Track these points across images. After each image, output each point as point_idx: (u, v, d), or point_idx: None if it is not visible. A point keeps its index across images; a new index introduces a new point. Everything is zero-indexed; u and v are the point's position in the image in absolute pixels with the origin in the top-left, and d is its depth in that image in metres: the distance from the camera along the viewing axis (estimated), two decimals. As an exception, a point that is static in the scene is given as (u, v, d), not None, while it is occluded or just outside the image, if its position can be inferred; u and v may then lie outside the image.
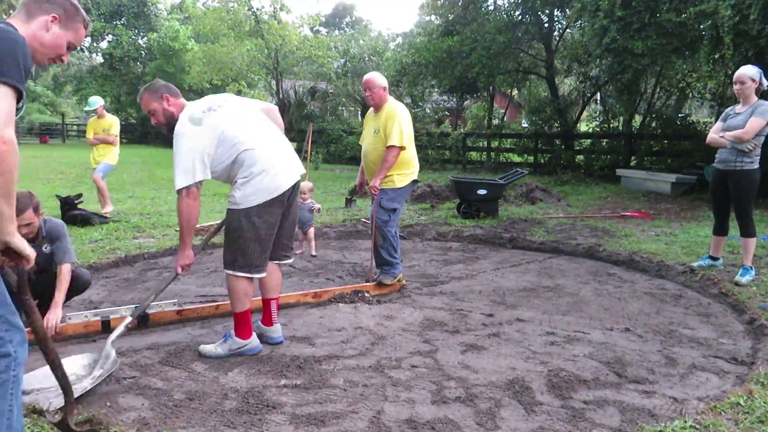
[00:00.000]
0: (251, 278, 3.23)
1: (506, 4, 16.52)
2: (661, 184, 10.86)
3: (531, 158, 15.83)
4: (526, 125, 18.51)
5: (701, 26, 9.41)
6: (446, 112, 23.12)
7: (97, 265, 5.17)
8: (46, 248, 3.47)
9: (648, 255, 5.54)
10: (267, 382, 2.93)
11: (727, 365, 3.19)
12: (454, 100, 19.75)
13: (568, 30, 16.00)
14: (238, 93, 25.29)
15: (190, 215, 3.09)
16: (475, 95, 19.10)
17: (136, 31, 31.33)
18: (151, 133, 29.99)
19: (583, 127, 17.83)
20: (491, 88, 18.28)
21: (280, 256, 3.45)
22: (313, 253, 5.89)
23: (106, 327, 3.56)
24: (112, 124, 7.43)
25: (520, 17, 15.65)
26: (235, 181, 3.16)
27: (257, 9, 20.85)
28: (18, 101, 1.72)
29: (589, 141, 15.78)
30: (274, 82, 22.50)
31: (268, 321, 3.50)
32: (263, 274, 3.29)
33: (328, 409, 2.65)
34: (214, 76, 23.05)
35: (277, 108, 3.60)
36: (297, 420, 2.55)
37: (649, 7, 10.01)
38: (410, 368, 3.12)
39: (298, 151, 4.62)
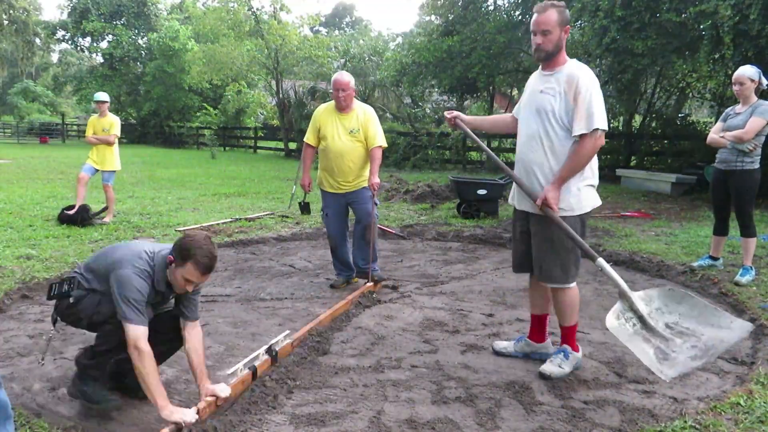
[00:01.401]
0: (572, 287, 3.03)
1: (506, 4, 16.53)
2: (661, 184, 10.85)
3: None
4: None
5: (701, 26, 9.41)
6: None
7: (97, 265, 5.17)
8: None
9: (648, 255, 5.54)
10: (268, 382, 2.92)
11: (727, 365, 3.19)
12: (454, 100, 19.74)
13: (568, 30, 16.00)
14: (238, 93, 25.32)
15: (588, 158, 2.86)
16: (475, 95, 19.09)
17: (136, 31, 31.33)
18: (150, 133, 30.01)
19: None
20: (491, 88, 18.26)
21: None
22: None
23: (255, 376, 2.93)
24: (113, 123, 7.37)
25: (520, 17, 15.64)
26: (576, 181, 2.90)
27: (257, 9, 20.85)
28: None
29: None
30: (274, 82, 22.49)
31: (540, 337, 3.29)
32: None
33: (328, 409, 2.65)
34: (214, 76, 23.05)
35: None
36: (297, 420, 2.55)
37: (649, 7, 10.01)
38: (410, 368, 3.12)
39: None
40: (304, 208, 5.23)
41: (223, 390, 2.58)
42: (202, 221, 7.29)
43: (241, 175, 13.81)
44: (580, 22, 13.10)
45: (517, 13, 15.76)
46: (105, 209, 7.20)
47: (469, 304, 4.31)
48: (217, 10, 21.66)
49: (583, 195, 2.93)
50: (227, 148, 25.60)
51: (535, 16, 2.90)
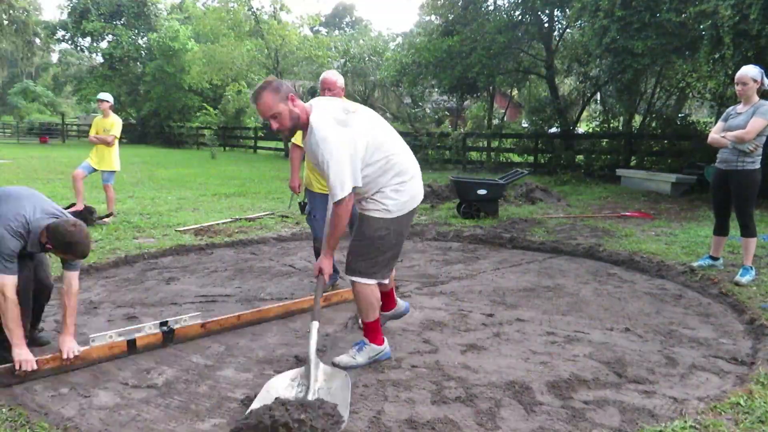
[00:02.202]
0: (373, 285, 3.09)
1: (506, 4, 16.52)
2: (661, 184, 10.85)
3: (531, 158, 15.82)
4: (526, 125, 18.51)
5: (701, 26, 9.42)
6: (446, 112, 23.13)
7: (97, 265, 5.17)
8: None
9: (648, 255, 5.54)
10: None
11: (727, 365, 3.18)
12: (454, 100, 19.76)
13: (568, 30, 16.00)
14: (238, 93, 25.33)
15: (345, 221, 2.89)
16: (475, 95, 19.09)
17: (136, 31, 31.33)
18: (150, 133, 30.01)
19: (583, 127, 17.83)
20: (491, 88, 18.27)
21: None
22: None
23: (132, 347, 3.26)
24: (114, 124, 7.38)
25: (520, 17, 15.64)
26: (383, 190, 2.98)
27: (257, 9, 20.87)
28: None
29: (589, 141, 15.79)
30: (274, 82, 22.46)
31: (391, 305, 3.52)
32: (387, 279, 3.21)
33: (328, 409, 2.64)
34: (214, 76, 23.06)
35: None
36: (297, 420, 2.55)
37: (649, 7, 10.01)
38: (410, 368, 3.12)
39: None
40: (304, 208, 5.22)
41: (70, 349, 2.99)
42: (202, 221, 7.29)
43: (241, 175, 13.81)
44: (580, 22, 13.12)
45: (517, 13, 15.75)
46: (110, 215, 7.21)
47: (469, 304, 4.31)
48: (217, 10, 21.68)
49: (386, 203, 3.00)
50: (227, 148, 25.61)
51: (254, 107, 2.91)
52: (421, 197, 3.14)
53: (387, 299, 3.44)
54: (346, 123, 2.87)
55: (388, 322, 3.61)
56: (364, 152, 2.87)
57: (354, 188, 2.86)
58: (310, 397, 2.60)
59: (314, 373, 2.72)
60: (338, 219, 2.88)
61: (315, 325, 2.87)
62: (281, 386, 2.70)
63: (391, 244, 3.04)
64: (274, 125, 2.86)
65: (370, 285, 3.06)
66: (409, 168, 3.05)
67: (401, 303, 3.60)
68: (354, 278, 3.06)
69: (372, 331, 3.17)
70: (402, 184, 3.01)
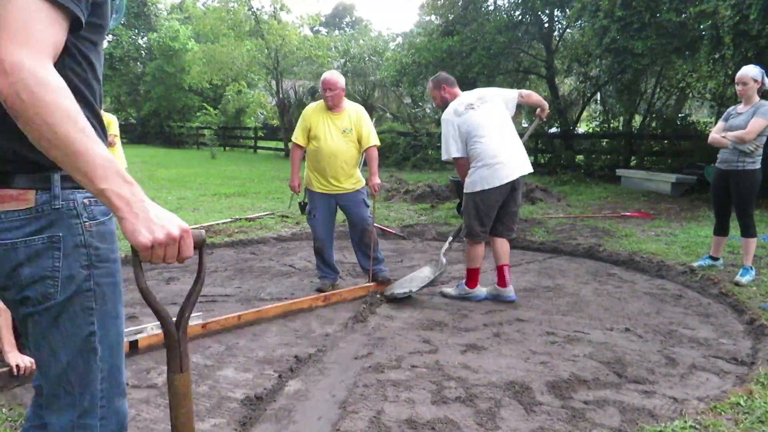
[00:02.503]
0: (482, 244, 4.28)
1: (506, 4, 16.50)
2: (661, 184, 10.85)
3: (531, 158, 15.80)
4: (526, 125, 18.49)
5: (701, 26, 9.41)
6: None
7: (97, 265, 5.16)
8: None
9: (648, 255, 5.54)
10: (268, 382, 2.93)
11: (727, 365, 3.19)
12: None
13: (568, 30, 15.99)
14: (238, 93, 25.32)
15: (460, 172, 4.28)
16: (475, 95, 19.06)
17: (136, 31, 31.31)
18: (151, 133, 29.99)
19: (583, 127, 17.82)
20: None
21: (503, 233, 4.31)
22: None
23: (134, 349, 3.26)
24: (110, 122, 7.36)
25: (520, 17, 15.63)
26: (470, 169, 4.12)
27: (257, 9, 20.84)
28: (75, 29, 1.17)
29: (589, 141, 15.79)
30: (274, 82, 22.48)
31: (502, 283, 4.31)
32: (481, 243, 4.28)
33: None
34: (214, 76, 23.04)
35: (531, 92, 4.64)
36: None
37: (649, 7, 10.01)
38: (410, 368, 3.12)
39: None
40: (304, 208, 5.22)
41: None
42: (202, 221, 7.28)
43: (241, 175, 13.81)
44: (580, 22, 13.11)
45: (517, 13, 15.74)
46: None
47: (469, 304, 4.31)
48: (217, 10, 21.64)
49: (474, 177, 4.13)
50: (227, 148, 25.60)
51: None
52: (507, 180, 4.04)
53: (499, 275, 4.34)
54: (460, 114, 4.14)
55: (387, 322, 3.61)
56: (457, 136, 4.12)
57: (457, 158, 4.17)
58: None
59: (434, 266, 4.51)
60: (457, 168, 4.38)
61: (449, 239, 4.59)
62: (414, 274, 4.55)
63: (471, 213, 4.16)
64: (434, 103, 4.58)
65: (472, 241, 4.27)
66: (497, 155, 4.04)
67: (510, 290, 4.33)
68: (465, 237, 4.34)
69: (469, 277, 4.36)
70: (484, 167, 4.04)
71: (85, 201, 1.27)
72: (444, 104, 4.30)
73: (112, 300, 1.32)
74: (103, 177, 1.09)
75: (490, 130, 4.08)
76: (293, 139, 4.57)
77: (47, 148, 1.07)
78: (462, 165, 4.17)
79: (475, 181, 4.09)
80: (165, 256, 1.14)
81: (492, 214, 4.16)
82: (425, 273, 4.45)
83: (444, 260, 4.37)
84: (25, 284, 1.22)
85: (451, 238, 4.53)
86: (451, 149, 4.14)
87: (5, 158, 1.21)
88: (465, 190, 4.18)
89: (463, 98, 4.24)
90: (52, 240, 1.22)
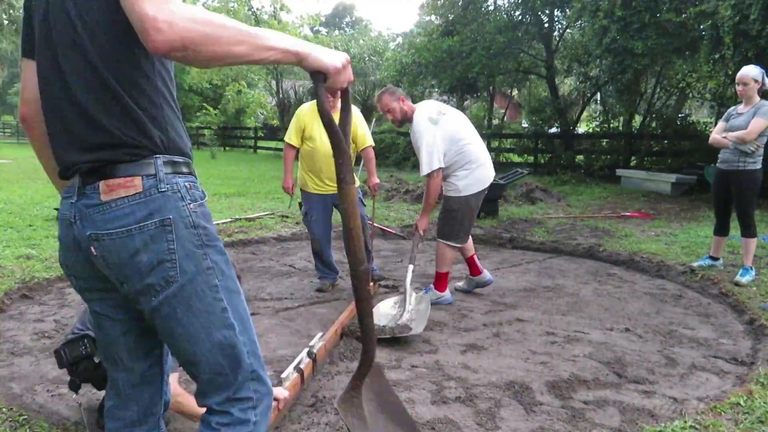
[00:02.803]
0: (457, 248, 4.18)
1: (506, 4, 16.51)
2: (661, 184, 10.85)
3: (531, 158, 15.82)
4: (525, 125, 18.51)
5: (701, 26, 9.42)
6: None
7: (97, 265, 5.16)
8: None
9: (648, 255, 5.54)
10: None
11: (727, 365, 3.19)
12: (454, 100, 19.75)
13: (568, 30, 16.00)
14: (238, 93, 25.33)
15: (435, 191, 4.07)
16: (475, 95, 19.09)
17: (137, 31, 31.31)
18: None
19: (583, 127, 17.82)
20: (491, 88, 18.27)
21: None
22: None
23: None
24: None
25: (520, 17, 15.63)
26: (456, 174, 4.06)
27: (257, 9, 20.89)
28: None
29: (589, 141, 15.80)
30: (274, 82, 22.51)
31: (477, 271, 4.44)
32: (458, 247, 4.22)
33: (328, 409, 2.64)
34: (214, 76, 23.07)
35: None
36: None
37: (649, 7, 10.01)
38: (410, 368, 3.12)
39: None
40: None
41: (281, 392, 2.38)
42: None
43: (241, 175, 13.82)
44: (580, 22, 13.12)
45: (517, 13, 15.75)
46: None
47: (469, 304, 4.31)
48: (217, 10, 21.66)
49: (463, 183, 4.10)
50: (227, 148, 25.60)
51: (377, 104, 4.26)
52: (489, 181, 4.13)
53: (472, 266, 4.43)
54: (436, 122, 3.98)
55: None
56: (442, 144, 3.95)
57: (438, 169, 3.96)
58: (405, 315, 3.68)
59: (408, 298, 3.90)
60: (428, 188, 4.10)
61: (410, 267, 4.15)
62: (387, 306, 3.96)
63: (464, 216, 4.12)
64: (389, 117, 4.15)
65: (449, 246, 4.16)
66: (478, 157, 4.07)
67: (486, 273, 4.47)
68: (441, 240, 4.19)
69: (439, 281, 4.25)
70: (470, 171, 4.04)
71: (187, 185, 1.32)
72: (404, 117, 4.09)
73: (230, 276, 1.38)
74: (290, 42, 1.27)
75: (469, 133, 4.11)
76: (286, 139, 4.46)
77: (239, 54, 1.17)
78: (439, 177, 4.02)
79: (472, 183, 4.08)
80: (347, 78, 1.40)
81: (476, 214, 4.27)
82: (389, 310, 3.92)
83: (411, 300, 3.92)
84: (146, 271, 1.25)
85: (411, 266, 4.16)
86: (434, 161, 3.93)
87: (109, 144, 1.24)
88: (459, 194, 4.08)
89: (428, 107, 4.12)
90: (164, 223, 1.26)
